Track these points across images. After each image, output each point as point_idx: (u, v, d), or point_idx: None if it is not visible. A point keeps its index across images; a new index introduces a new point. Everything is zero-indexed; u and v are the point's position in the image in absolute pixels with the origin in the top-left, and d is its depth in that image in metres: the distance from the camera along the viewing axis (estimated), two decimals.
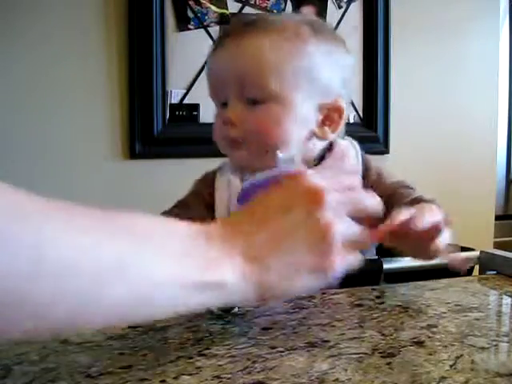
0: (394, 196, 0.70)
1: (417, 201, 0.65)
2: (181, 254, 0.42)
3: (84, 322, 0.37)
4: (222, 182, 0.78)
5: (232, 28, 0.71)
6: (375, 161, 0.80)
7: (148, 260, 0.39)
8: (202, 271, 0.42)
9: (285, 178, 0.49)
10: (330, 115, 0.72)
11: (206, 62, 0.81)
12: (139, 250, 0.39)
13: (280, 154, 0.57)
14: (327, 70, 0.71)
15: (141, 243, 0.40)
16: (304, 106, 0.69)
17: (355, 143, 0.78)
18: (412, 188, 0.74)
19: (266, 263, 0.45)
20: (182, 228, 0.44)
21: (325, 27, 0.74)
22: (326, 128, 0.72)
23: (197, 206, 0.77)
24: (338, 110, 0.72)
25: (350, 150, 0.77)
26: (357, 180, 0.53)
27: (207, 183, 0.79)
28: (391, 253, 0.75)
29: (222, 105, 0.72)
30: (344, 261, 0.47)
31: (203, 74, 1.69)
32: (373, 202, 0.51)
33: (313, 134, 0.72)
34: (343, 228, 0.47)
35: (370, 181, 0.74)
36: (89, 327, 0.44)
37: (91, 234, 0.38)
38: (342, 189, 0.49)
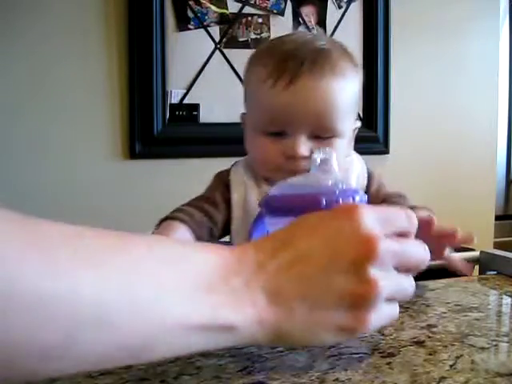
0: (387, 203, 0.74)
1: (411, 209, 0.67)
2: (196, 286, 0.36)
3: (53, 369, 0.32)
4: (236, 183, 0.81)
5: (297, 65, 0.73)
6: (375, 161, 0.81)
7: (149, 297, 0.34)
8: (216, 310, 0.36)
9: (335, 210, 0.43)
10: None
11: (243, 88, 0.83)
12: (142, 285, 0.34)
13: (315, 155, 0.56)
14: (359, 98, 0.80)
15: (148, 275, 0.35)
16: (349, 133, 0.78)
17: (359, 156, 0.83)
18: (406, 198, 0.79)
19: (290, 307, 0.39)
20: (207, 255, 0.39)
21: (351, 54, 0.79)
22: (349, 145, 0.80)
23: (222, 203, 0.79)
24: (356, 129, 0.81)
25: (356, 164, 0.81)
26: (409, 222, 0.46)
27: (222, 181, 0.82)
28: None
29: (273, 134, 0.75)
30: (381, 319, 0.42)
31: (203, 74, 1.69)
32: (422, 253, 0.46)
33: None
34: (389, 284, 0.41)
35: (371, 190, 0.78)
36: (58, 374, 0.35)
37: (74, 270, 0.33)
38: (394, 234, 0.43)
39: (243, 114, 0.83)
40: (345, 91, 0.74)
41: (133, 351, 0.34)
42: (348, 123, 0.76)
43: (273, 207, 0.52)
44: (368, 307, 0.40)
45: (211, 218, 0.78)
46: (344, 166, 0.77)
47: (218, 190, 0.81)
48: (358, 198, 0.51)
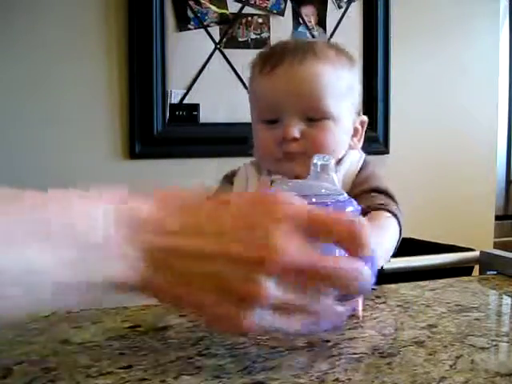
0: (359, 197, 0.73)
1: (371, 208, 0.71)
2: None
3: None
4: (239, 179, 0.85)
5: (281, 54, 0.78)
6: (375, 161, 0.81)
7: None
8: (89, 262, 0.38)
9: (263, 201, 0.41)
10: (356, 128, 0.83)
11: (240, 81, 0.90)
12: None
13: (316, 159, 0.55)
14: (357, 87, 0.84)
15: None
16: (347, 121, 0.80)
17: (363, 154, 0.85)
18: (386, 195, 0.77)
19: (163, 273, 0.39)
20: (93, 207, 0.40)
21: (346, 50, 0.84)
22: (355, 139, 0.83)
23: None
24: (363, 123, 0.84)
25: (354, 154, 0.83)
26: (350, 235, 0.41)
27: (228, 180, 0.87)
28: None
29: (270, 122, 0.79)
30: (260, 325, 0.40)
31: (203, 74, 1.69)
32: (349, 274, 0.41)
33: (348, 146, 0.82)
34: (278, 297, 0.39)
35: (356, 180, 0.80)
36: None
37: None
38: (323, 243, 0.41)
39: None
40: (330, 74, 0.77)
41: None
42: (340, 108, 0.78)
43: None
44: (244, 307, 0.39)
45: None
46: (340, 153, 0.79)
47: (221, 190, 0.86)
48: (350, 209, 0.50)
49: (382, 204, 0.73)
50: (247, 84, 0.86)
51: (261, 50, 0.85)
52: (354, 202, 0.51)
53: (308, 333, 0.44)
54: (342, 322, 0.46)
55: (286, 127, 0.76)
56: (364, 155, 0.84)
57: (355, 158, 0.82)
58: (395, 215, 0.73)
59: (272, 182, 0.76)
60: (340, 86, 0.78)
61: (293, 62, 0.76)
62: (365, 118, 0.85)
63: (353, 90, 0.82)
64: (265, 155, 0.80)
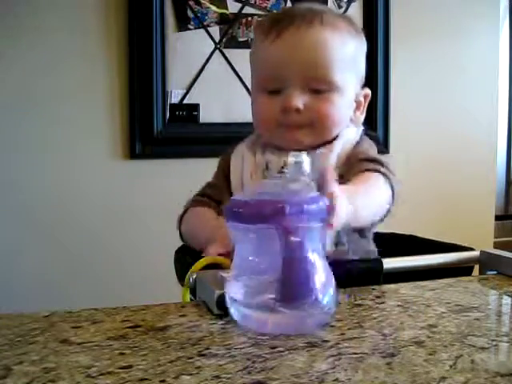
0: (351, 167, 0.75)
1: (362, 170, 0.72)
2: None
3: None
4: (236, 157, 0.85)
5: (288, 21, 0.75)
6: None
7: None
8: None
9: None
10: (359, 101, 0.81)
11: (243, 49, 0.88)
12: None
13: (290, 158, 0.56)
14: (362, 59, 0.81)
15: None
16: (351, 93, 0.78)
17: (363, 135, 0.83)
18: (376, 161, 0.76)
19: None
20: None
21: (351, 18, 0.81)
22: (358, 113, 0.82)
23: (221, 181, 0.86)
24: (366, 97, 0.82)
25: (350, 131, 0.81)
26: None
27: (225, 158, 0.87)
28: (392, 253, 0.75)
29: (271, 92, 0.76)
30: None
31: (203, 74, 1.69)
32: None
33: (350, 120, 0.80)
34: None
35: (350, 154, 0.79)
36: None
37: None
38: None
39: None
40: (335, 42, 0.75)
41: None
42: (345, 79, 0.76)
43: (233, 212, 0.52)
44: None
45: (215, 200, 0.83)
46: (342, 126, 0.78)
47: (218, 172, 0.87)
48: (312, 207, 0.50)
49: (370, 167, 0.74)
50: (251, 47, 0.84)
51: (269, 14, 0.83)
52: (325, 199, 0.51)
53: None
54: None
55: (288, 97, 0.73)
56: (362, 130, 0.82)
57: (352, 134, 0.81)
58: (384, 174, 0.73)
59: (267, 164, 0.75)
60: (346, 56, 0.76)
61: (299, 29, 0.73)
62: (368, 91, 0.83)
63: (358, 61, 0.79)
64: (266, 125, 0.78)
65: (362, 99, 0.82)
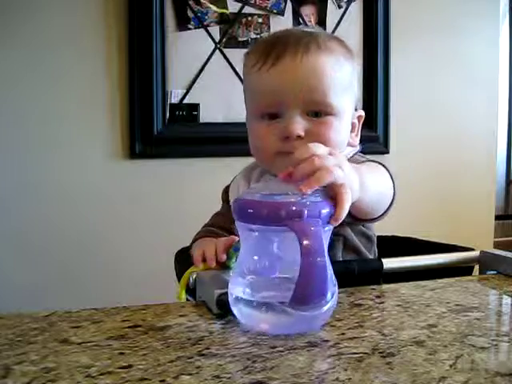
0: None
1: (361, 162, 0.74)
2: None
3: None
4: (232, 189, 0.86)
5: (283, 46, 0.74)
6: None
7: None
8: None
9: None
10: (354, 123, 0.81)
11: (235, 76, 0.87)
12: None
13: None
14: (356, 81, 0.81)
15: None
16: (348, 116, 0.78)
17: (359, 146, 0.84)
18: (374, 161, 0.79)
19: None
20: None
21: (343, 39, 0.81)
22: (353, 135, 0.81)
23: (226, 210, 0.87)
24: (360, 118, 0.82)
25: (348, 151, 0.81)
26: None
27: (226, 190, 0.89)
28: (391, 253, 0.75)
29: (269, 117, 0.75)
30: None
31: (203, 74, 1.69)
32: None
33: (348, 143, 0.80)
34: None
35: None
36: None
37: None
38: None
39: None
40: (333, 66, 0.74)
41: None
42: (343, 102, 0.76)
43: (239, 210, 0.52)
44: None
45: (224, 228, 0.83)
46: (339, 146, 0.76)
47: (223, 203, 0.89)
48: (324, 211, 0.50)
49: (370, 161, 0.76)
50: (243, 75, 0.84)
51: (258, 40, 0.82)
52: (330, 206, 0.51)
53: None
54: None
55: (290, 124, 0.72)
56: (358, 150, 0.82)
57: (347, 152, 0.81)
58: (384, 165, 0.75)
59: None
60: (343, 80, 0.76)
61: (296, 54, 0.73)
62: (362, 113, 0.83)
63: (353, 84, 0.80)
64: (265, 153, 0.77)
65: (356, 121, 0.82)
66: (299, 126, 0.72)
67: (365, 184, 0.60)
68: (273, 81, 0.74)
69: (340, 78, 0.75)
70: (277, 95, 0.73)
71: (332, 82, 0.73)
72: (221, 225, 0.85)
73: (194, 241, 0.84)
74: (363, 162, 0.77)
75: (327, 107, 0.74)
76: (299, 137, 0.72)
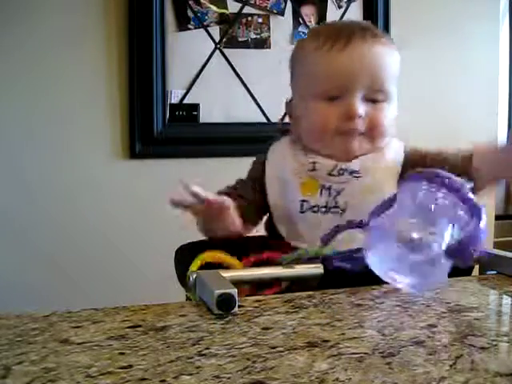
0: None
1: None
2: None
3: None
4: (274, 154, 0.86)
5: (350, 32, 0.80)
6: None
7: None
8: None
9: None
10: None
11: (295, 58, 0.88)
12: None
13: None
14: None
15: None
16: (395, 104, 0.85)
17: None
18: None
19: None
20: None
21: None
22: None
23: (250, 181, 0.88)
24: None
25: (395, 142, 0.88)
26: None
27: (260, 162, 0.88)
28: None
29: (330, 99, 0.80)
30: None
31: (203, 74, 1.69)
32: None
33: None
34: None
35: (408, 166, 0.84)
36: None
37: None
38: None
39: (289, 100, 0.88)
40: (391, 58, 0.82)
41: None
42: (394, 90, 0.83)
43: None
44: None
45: (242, 197, 0.84)
46: (389, 132, 0.84)
47: (251, 172, 0.88)
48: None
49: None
50: (296, 62, 0.86)
51: (313, 28, 0.88)
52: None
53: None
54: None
55: (352, 105, 0.78)
56: (402, 145, 0.89)
57: (397, 146, 0.87)
58: None
59: (314, 163, 0.79)
60: (396, 70, 0.83)
61: (366, 40, 0.79)
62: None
63: (398, 75, 0.86)
64: (322, 133, 0.81)
65: None
66: (361, 106, 0.79)
67: None
68: (342, 62, 0.79)
69: (395, 68, 0.82)
70: (344, 76, 0.79)
71: (391, 70, 0.81)
72: (240, 193, 0.86)
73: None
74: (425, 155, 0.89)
75: (385, 93, 0.81)
76: (360, 117, 0.79)
